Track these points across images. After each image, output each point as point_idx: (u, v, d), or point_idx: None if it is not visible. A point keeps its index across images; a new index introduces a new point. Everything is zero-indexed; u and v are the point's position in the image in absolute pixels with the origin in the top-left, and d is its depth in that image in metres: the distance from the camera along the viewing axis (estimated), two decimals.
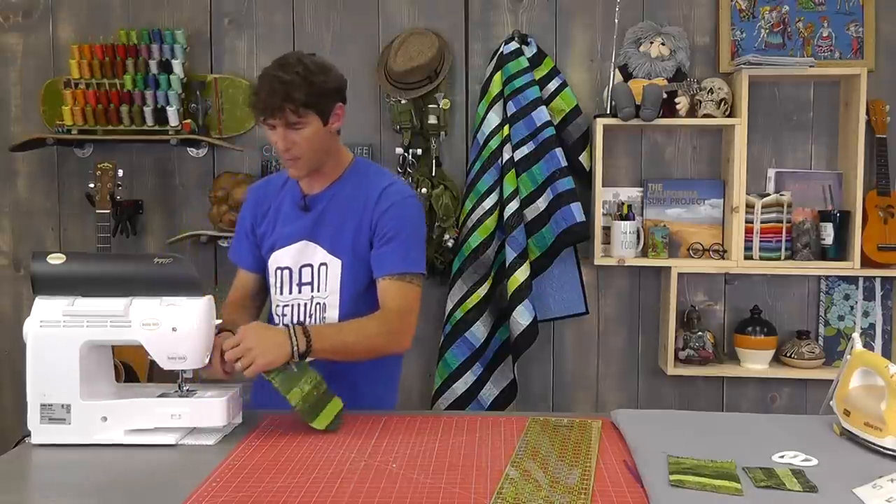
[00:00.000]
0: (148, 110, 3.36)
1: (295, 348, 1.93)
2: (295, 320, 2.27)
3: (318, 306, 2.24)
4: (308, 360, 1.98)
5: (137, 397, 1.88)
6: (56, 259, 1.86)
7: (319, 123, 2.13)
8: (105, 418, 1.83)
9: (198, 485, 1.56)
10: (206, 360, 1.89)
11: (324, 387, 1.94)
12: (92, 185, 3.27)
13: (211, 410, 1.86)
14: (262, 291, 2.40)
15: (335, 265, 2.22)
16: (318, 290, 2.24)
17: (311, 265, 2.24)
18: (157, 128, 3.38)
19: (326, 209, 2.24)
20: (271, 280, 2.31)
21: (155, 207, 3.64)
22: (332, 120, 2.16)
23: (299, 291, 2.26)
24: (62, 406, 1.82)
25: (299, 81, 2.06)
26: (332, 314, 2.23)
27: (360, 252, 2.21)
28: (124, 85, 3.38)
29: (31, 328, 1.83)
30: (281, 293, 2.29)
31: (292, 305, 2.27)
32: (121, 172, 3.29)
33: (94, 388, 1.87)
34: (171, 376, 1.92)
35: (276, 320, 2.31)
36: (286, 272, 2.27)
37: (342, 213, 2.22)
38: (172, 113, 3.35)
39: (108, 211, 3.26)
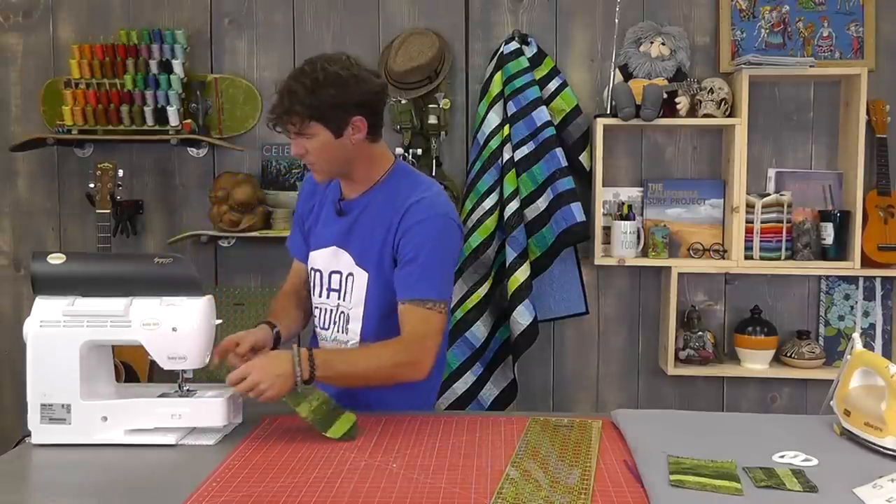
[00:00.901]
0: (148, 110, 3.36)
1: (298, 378, 1.89)
2: (322, 324, 2.24)
3: (342, 315, 2.19)
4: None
5: (137, 397, 1.88)
6: (56, 259, 1.86)
7: (329, 135, 2.02)
8: (105, 418, 1.83)
9: (198, 485, 1.56)
10: (207, 360, 1.90)
11: (332, 403, 1.92)
12: (92, 185, 3.27)
13: (211, 410, 1.86)
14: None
15: (361, 277, 2.14)
16: (344, 300, 2.18)
17: (340, 272, 2.18)
18: (157, 128, 3.38)
19: (359, 217, 2.15)
20: (309, 278, 2.28)
21: (155, 207, 3.64)
22: (348, 132, 2.04)
23: (328, 297, 2.22)
24: (62, 406, 1.82)
25: (303, 93, 1.97)
26: (355, 327, 2.16)
27: (385, 267, 2.11)
28: (124, 85, 3.38)
29: (32, 328, 1.83)
30: (314, 294, 2.27)
31: (321, 309, 2.24)
32: (121, 172, 3.29)
33: (94, 388, 1.87)
34: (172, 376, 1.93)
35: (314, 317, 2.30)
36: (318, 275, 2.23)
37: (372, 224, 2.13)
38: (172, 113, 3.35)
39: (108, 211, 3.26)
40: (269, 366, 1.89)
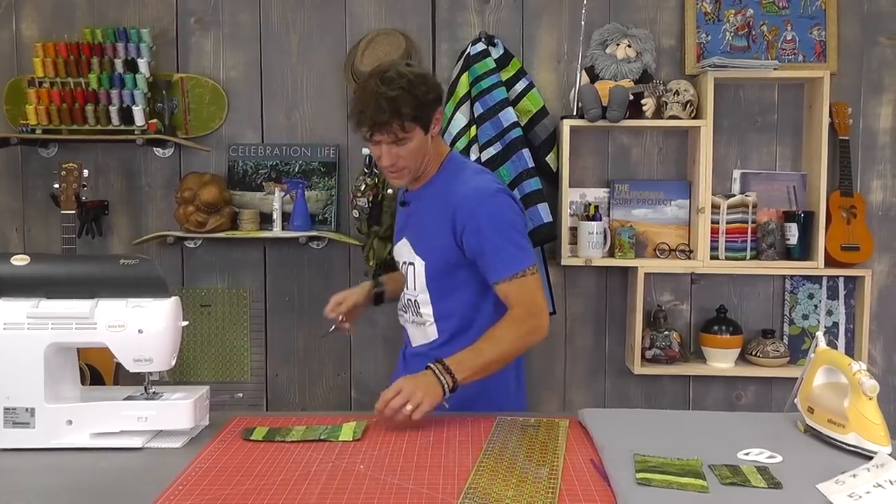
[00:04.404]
0: (113, 110, 3.33)
1: (446, 386, 1.99)
2: (402, 307, 2.40)
3: (410, 302, 2.33)
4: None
5: (103, 400, 1.86)
6: (20, 260, 1.84)
7: (422, 134, 2.16)
8: (70, 422, 1.81)
9: (164, 488, 1.55)
10: (173, 362, 1.88)
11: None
12: (57, 186, 3.23)
13: (178, 413, 1.85)
14: None
15: (420, 265, 2.26)
16: (408, 288, 2.33)
17: (405, 262, 2.33)
18: (122, 127, 3.34)
19: (418, 208, 2.31)
20: None
21: (121, 208, 3.61)
22: (432, 128, 2.19)
23: (406, 287, 2.37)
24: (26, 410, 1.80)
25: (405, 96, 2.08)
26: (427, 311, 2.30)
27: (444, 254, 2.22)
28: (89, 84, 3.34)
29: None
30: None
31: (403, 295, 2.40)
32: (86, 172, 3.26)
33: (59, 391, 1.85)
34: (138, 379, 1.91)
35: (399, 304, 2.43)
36: (399, 266, 2.40)
37: (429, 214, 2.25)
38: (138, 112, 3.32)
39: (73, 211, 3.23)
40: (419, 381, 1.99)
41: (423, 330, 2.34)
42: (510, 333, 2.13)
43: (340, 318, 2.44)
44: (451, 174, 2.27)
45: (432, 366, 2.02)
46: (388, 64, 2.18)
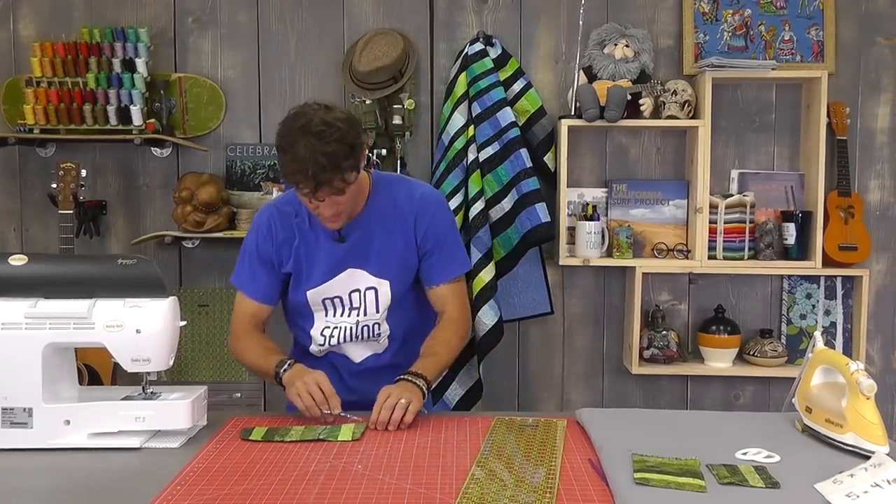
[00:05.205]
0: (111, 109, 3.33)
1: (423, 389, 2.08)
2: (342, 340, 2.31)
3: (365, 328, 2.30)
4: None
5: (101, 400, 1.86)
6: (18, 260, 1.84)
7: (357, 175, 2.08)
8: (68, 422, 1.81)
9: (162, 488, 1.55)
10: (171, 362, 1.88)
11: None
12: (55, 186, 3.22)
13: (175, 413, 1.85)
14: (267, 319, 2.36)
15: (384, 286, 2.27)
16: (365, 314, 2.29)
17: (358, 290, 2.28)
18: (120, 127, 3.34)
19: (363, 235, 2.25)
20: (314, 308, 2.31)
21: (119, 208, 3.60)
22: (362, 164, 2.11)
23: (348, 315, 2.30)
24: (24, 410, 1.80)
25: (342, 148, 1.99)
26: (385, 328, 2.32)
27: (406, 268, 2.29)
28: (87, 84, 3.34)
29: None
30: (330, 317, 2.31)
31: (339, 328, 2.31)
32: (84, 172, 3.25)
33: (56, 391, 1.85)
34: (136, 379, 1.91)
35: (322, 340, 2.33)
36: (337, 300, 2.29)
37: (382, 234, 2.25)
38: (136, 112, 3.32)
39: (71, 211, 3.22)
40: (402, 387, 2.04)
41: (371, 345, 2.35)
42: (456, 336, 2.30)
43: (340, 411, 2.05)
44: (386, 192, 2.28)
45: (404, 376, 2.09)
46: (308, 115, 2.03)
